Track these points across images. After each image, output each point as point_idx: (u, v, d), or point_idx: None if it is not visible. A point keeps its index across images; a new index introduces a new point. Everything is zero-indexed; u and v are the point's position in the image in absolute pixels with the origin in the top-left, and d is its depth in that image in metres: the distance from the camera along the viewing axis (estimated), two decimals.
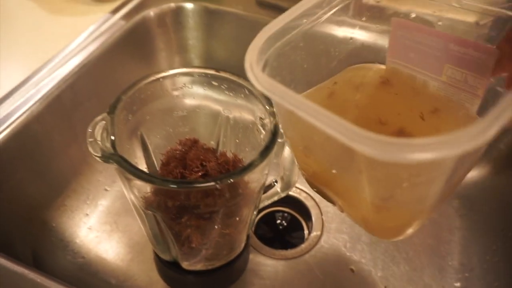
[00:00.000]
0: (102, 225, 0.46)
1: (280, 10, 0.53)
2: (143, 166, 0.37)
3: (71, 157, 0.46)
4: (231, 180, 0.25)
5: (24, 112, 0.39)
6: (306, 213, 0.50)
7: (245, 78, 0.32)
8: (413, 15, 0.29)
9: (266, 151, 0.26)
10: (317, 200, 0.51)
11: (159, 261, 0.41)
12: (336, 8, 0.29)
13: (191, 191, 0.26)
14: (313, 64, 0.31)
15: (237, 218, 0.31)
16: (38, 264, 0.40)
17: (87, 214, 0.47)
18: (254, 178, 0.29)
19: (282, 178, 0.38)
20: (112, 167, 0.51)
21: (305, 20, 0.26)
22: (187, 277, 0.40)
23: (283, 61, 0.27)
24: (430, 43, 0.26)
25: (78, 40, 0.47)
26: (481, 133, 0.15)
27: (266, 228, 0.50)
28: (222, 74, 0.33)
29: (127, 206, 0.48)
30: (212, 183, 0.24)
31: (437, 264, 0.44)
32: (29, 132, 0.39)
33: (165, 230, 0.31)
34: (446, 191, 0.23)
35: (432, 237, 0.46)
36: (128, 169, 0.25)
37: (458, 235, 0.47)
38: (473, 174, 0.51)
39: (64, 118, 0.44)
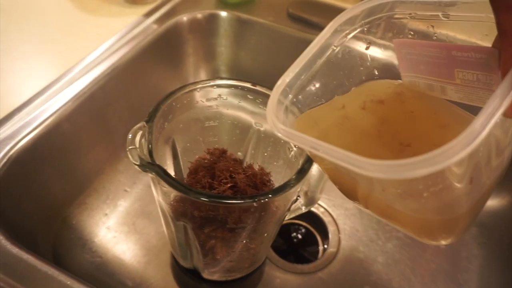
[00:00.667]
0: (120, 226, 0.47)
1: (310, 24, 0.53)
2: (171, 173, 0.37)
3: (95, 156, 0.47)
4: (267, 199, 0.25)
5: (56, 111, 0.40)
6: (322, 229, 0.50)
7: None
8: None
9: (302, 172, 0.27)
10: (334, 216, 0.51)
11: (177, 267, 0.41)
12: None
13: (225, 207, 0.26)
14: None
15: (264, 234, 0.32)
16: (57, 260, 0.41)
17: (106, 214, 0.47)
18: (286, 197, 0.29)
19: (306, 194, 0.38)
20: (133, 169, 0.51)
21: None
22: (203, 285, 0.40)
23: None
24: (434, 54, 0.27)
25: (110, 41, 0.48)
26: (470, 138, 0.17)
27: (280, 240, 0.50)
28: (258, 88, 0.33)
29: (146, 208, 0.49)
30: (250, 201, 0.24)
31: None
32: (59, 131, 0.40)
33: (192, 239, 0.31)
34: (479, 190, 0.24)
35: (449, 263, 0.46)
36: (166, 179, 0.25)
37: (475, 264, 0.46)
38: (493, 203, 0.50)
39: (93, 118, 0.44)
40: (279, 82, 0.28)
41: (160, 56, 0.52)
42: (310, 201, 0.39)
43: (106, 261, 0.44)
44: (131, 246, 0.45)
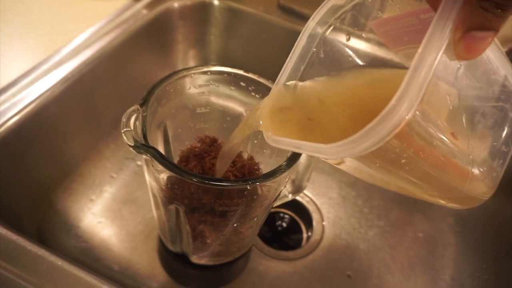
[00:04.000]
0: (106, 211, 0.46)
1: (300, 16, 0.54)
2: None
3: (82, 141, 0.46)
4: (259, 183, 0.25)
5: (43, 93, 0.39)
6: (306, 217, 0.51)
7: (272, 81, 0.33)
8: None
9: (293, 158, 0.27)
10: (318, 205, 0.52)
11: (164, 252, 0.42)
12: None
13: (218, 190, 0.27)
14: None
15: (254, 218, 0.32)
16: (42, 244, 0.40)
17: (92, 200, 0.47)
18: (277, 183, 0.29)
19: (293, 182, 0.39)
20: (120, 154, 0.51)
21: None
22: (190, 270, 0.40)
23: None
24: (408, 23, 0.27)
25: (99, 24, 0.47)
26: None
27: (265, 228, 0.51)
28: (251, 75, 0.34)
29: (132, 195, 0.49)
30: (244, 183, 0.25)
31: (430, 276, 0.46)
32: (46, 114, 0.39)
33: (183, 223, 0.32)
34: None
35: (426, 250, 0.48)
36: (161, 161, 0.26)
37: (450, 251, 0.49)
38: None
39: (81, 102, 0.44)
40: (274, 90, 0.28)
41: (149, 42, 0.52)
42: (297, 189, 0.40)
43: (92, 246, 0.43)
44: (117, 231, 0.45)
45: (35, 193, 0.41)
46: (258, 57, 0.57)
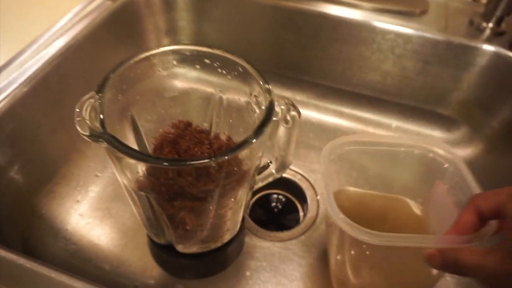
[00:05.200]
0: (93, 211, 0.45)
1: None
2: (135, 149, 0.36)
3: (59, 142, 0.45)
4: (226, 157, 0.24)
5: (8, 95, 0.37)
6: (301, 195, 0.50)
7: (239, 56, 0.32)
8: None
9: (260, 128, 0.26)
10: (311, 181, 0.50)
11: (153, 245, 0.41)
12: None
13: (185, 170, 0.25)
14: None
15: (232, 199, 0.31)
16: (28, 251, 0.39)
17: (78, 201, 0.46)
18: (248, 157, 0.28)
19: (276, 159, 0.38)
20: (102, 153, 0.49)
21: None
22: (182, 260, 0.39)
23: None
24: None
25: (63, 20, 0.46)
26: None
27: (261, 211, 0.50)
28: (215, 51, 0.32)
29: (119, 192, 0.47)
30: (207, 161, 0.23)
31: None
32: (13, 116, 0.38)
33: (159, 213, 0.30)
34: None
35: None
36: (119, 148, 0.24)
37: None
38: (466, 152, 0.51)
39: (51, 101, 0.42)
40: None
41: (118, 34, 0.50)
42: (282, 165, 0.38)
43: (81, 247, 0.42)
44: (107, 230, 0.44)
45: (16, 200, 0.40)
46: (234, 37, 0.55)
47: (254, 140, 0.25)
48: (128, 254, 0.42)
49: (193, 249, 0.37)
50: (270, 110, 0.27)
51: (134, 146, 0.36)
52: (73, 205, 0.45)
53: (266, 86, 0.29)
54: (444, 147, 0.36)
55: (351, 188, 0.43)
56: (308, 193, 0.49)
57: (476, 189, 0.32)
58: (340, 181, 0.42)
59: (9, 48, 0.42)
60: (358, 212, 0.36)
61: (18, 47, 0.42)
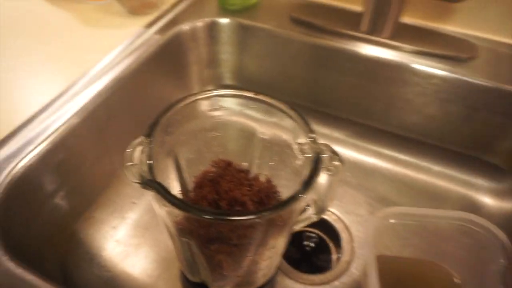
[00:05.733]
0: (129, 238, 0.46)
1: (313, 28, 0.52)
2: (176, 187, 0.36)
3: (101, 170, 0.47)
4: (271, 215, 0.24)
5: (60, 126, 0.39)
6: (335, 237, 0.49)
7: (283, 101, 0.32)
8: None
9: (309, 183, 0.25)
10: (347, 223, 0.49)
11: (186, 281, 0.41)
12: None
13: (228, 224, 0.25)
14: None
15: (271, 248, 0.30)
16: (66, 276, 0.40)
17: (114, 227, 0.47)
18: (292, 211, 0.28)
19: (315, 202, 0.37)
20: (140, 187, 0.50)
21: None
22: None
23: None
24: None
25: (112, 53, 0.48)
26: None
27: (292, 249, 0.49)
28: (260, 97, 0.32)
29: (155, 220, 0.48)
30: (252, 217, 0.23)
31: None
32: (64, 146, 0.40)
33: (197, 255, 0.30)
34: None
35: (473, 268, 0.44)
36: (166, 197, 0.25)
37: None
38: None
39: (97, 132, 0.44)
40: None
41: (163, 66, 0.52)
42: (321, 209, 0.37)
43: (115, 275, 0.43)
44: (141, 259, 0.45)
45: (56, 226, 0.42)
46: (274, 72, 0.56)
47: (302, 196, 0.24)
48: (161, 286, 0.42)
49: None
50: (317, 163, 0.27)
51: (176, 183, 0.36)
52: (109, 231, 0.46)
53: (312, 135, 0.29)
54: (490, 224, 0.37)
55: (392, 255, 0.44)
56: (343, 236, 0.48)
57: None
58: (381, 248, 0.43)
59: (63, 79, 0.44)
60: (395, 278, 0.38)
61: (70, 79, 0.44)
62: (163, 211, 0.28)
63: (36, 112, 0.41)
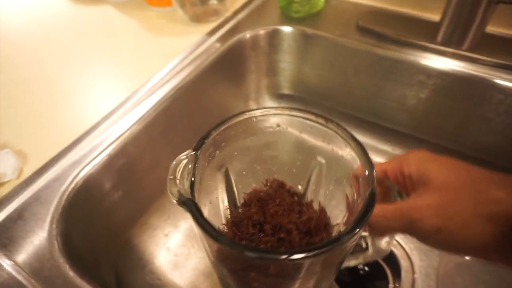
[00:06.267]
0: (180, 247, 0.46)
1: (382, 37, 0.48)
2: (224, 201, 0.35)
3: (158, 177, 0.47)
4: (315, 257, 0.21)
5: (121, 135, 0.40)
6: (394, 264, 0.45)
7: (344, 129, 0.29)
8: None
9: (361, 220, 0.23)
10: (408, 250, 0.45)
11: None
12: None
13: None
14: None
15: (315, 281, 0.28)
16: (119, 282, 0.42)
17: (166, 234, 0.47)
18: (339, 251, 0.25)
19: (373, 245, 0.33)
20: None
21: None
22: None
23: None
24: None
25: (174, 62, 0.48)
26: None
27: (344, 271, 0.46)
28: (321, 121, 0.30)
29: None
30: (284, 257, 0.21)
31: None
32: (124, 154, 0.41)
33: (231, 279, 0.29)
34: None
35: None
36: (199, 221, 0.23)
37: None
38: None
39: (157, 140, 0.44)
40: None
41: (222, 75, 0.51)
42: (378, 253, 0.34)
43: (164, 283, 0.44)
44: (190, 270, 0.45)
45: (113, 231, 0.43)
46: (335, 83, 0.53)
47: (353, 235, 0.22)
48: None
49: None
50: (371, 202, 0.24)
51: (224, 196, 0.35)
52: (162, 239, 0.47)
53: (371, 173, 0.26)
54: None
55: None
56: (403, 264, 0.44)
57: None
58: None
59: (128, 86, 0.46)
60: None
61: (134, 86, 0.45)
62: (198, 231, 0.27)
63: (98, 121, 0.42)
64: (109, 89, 0.46)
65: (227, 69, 0.52)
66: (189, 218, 0.51)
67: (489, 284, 0.42)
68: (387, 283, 0.44)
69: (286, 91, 0.59)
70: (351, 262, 0.34)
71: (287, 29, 0.52)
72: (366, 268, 0.46)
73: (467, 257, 0.37)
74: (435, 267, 0.43)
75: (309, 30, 0.51)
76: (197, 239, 0.47)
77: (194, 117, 0.50)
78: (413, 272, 0.43)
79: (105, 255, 0.41)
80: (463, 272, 0.43)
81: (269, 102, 0.60)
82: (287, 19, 0.53)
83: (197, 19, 0.55)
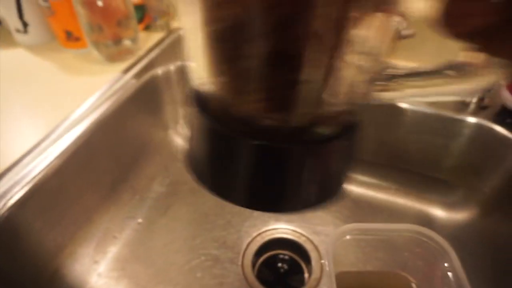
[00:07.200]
0: (110, 271, 0.49)
1: None
2: None
3: (83, 206, 0.50)
4: None
5: (44, 168, 0.43)
6: (305, 257, 0.52)
7: None
8: None
9: None
10: (316, 243, 0.53)
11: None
12: None
13: None
14: None
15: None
16: None
17: (96, 261, 0.49)
18: None
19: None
20: (121, 214, 0.53)
21: None
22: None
23: None
24: None
25: (92, 98, 0.52)
26: None
27: (267, 272, 0.52)
28: None
29: (135, 253, 0.51)
30: None
31: None
32: (48, 187, 0.43)
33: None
34: None
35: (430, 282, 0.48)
36: None
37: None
38: (463, 215, 0.53)
39: (79, 171, 0.47)
40: None
41: (140, 107, 0.56)
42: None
43: None
44: None
45: (41, 262, 0.44)
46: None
47: None
48: None
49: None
50: None
51: None
52: (92, 265, 0.49)
53: None
54: (434, 234, 0.42)
55: (355, 270, 0.48)
56: (313, 255, 0.52)
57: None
58: (344, 263, 0.46)
59: (48, 123, 0.48)
60: None
61: (55, 122, 0.48)
62: None
63: (20, 156, 0.44)
64: (28, 128, 0.48)
65: (144, 102, 0.57)
66: (118, 243, 0.53)
67: (381, 260, 0.51)
68: (303, 273, 0.52)
69: None
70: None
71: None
72: (285, 266, 0.53)
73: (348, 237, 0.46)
74: (338, 253, 0.52)
75: None
76: (128, 261, 0.50)
77: (115, 148, 0.54)
78: (321, 259, 0.51)
79: (34, 287, 0.42)
80: (358, 252, 0.52)
81: (187, 130, 0.66)
82: None
83: (112, 58, 0.59)
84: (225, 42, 0.18)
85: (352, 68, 0.19)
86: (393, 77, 0.21)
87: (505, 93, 0.49)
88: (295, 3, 0.16)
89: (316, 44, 0.17)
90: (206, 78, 0.21)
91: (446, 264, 0.40)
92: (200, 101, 0.22)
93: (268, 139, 0.20)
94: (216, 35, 0.18)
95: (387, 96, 0.21)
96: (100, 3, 0.53)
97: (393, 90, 0.21)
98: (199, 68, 0.21)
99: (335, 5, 0.16)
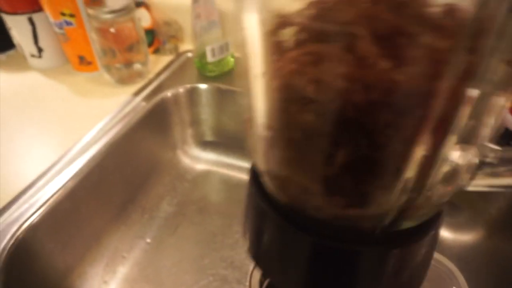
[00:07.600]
0: None
1: None
2: None
3: (93, 227, 0.51)
4: None
5: (57, 191, 0.44)
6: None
7: None
8: None
9: None
10: None
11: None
12: None
13: None
14: None
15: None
16: None
17: (105, 281, 0.50)
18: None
19: None
20: (130, 235, 0.54)
21: None
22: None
23: None
24: None
25: (104, 121, 0.54)
26: None
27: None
28: None
29: (144, 272, 0.52)
30: None
31: None
32: (61, 209, 0.44)
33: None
34: None
35: None
36: None
37: None
38: (468, 237, 0.53)
39: (91, 193, 0.48)
40: None
41: (149, 129, 0.58)
42: None
43: None
44: None
45: (51, 283, 0.45)
46: None
47: None
48: None
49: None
50: None
51: None
52: (101, 285, 0.50)
53: None
54: (442, 257, 0.42)
55: None
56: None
57: None
58: None
59: (60, 146, 0.50)
60: None
61: (67, 146, 0.50)
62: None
63: (34, 180, 0.45)
64: (42, 152, 0.50)
65: (153, 124, 0.59)
66: (127, 263, 0.54)
67: None
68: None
69: (209, 138, 0.67)
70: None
71: (203, 86, 0.61)
72: None
73: None
74: None
75: (223, 86, 0.60)
76: (136, 281, 0.50)
77: (125, 169, 0.55)
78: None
79: None
80: None
81: (195, 149, 0.67)
82: (203, 77, 0.63)
83: (123, 81, 0.61)
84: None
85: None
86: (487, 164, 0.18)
87: (509, 117, 0.50)
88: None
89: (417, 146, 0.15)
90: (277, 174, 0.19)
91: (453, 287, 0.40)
92: (266, 192, 0.21)
93: (339, 240, 0.18)
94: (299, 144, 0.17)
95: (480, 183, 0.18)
96: (112, 30, 0.55)
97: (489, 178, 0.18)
98: (269, 164, 0.20)
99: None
